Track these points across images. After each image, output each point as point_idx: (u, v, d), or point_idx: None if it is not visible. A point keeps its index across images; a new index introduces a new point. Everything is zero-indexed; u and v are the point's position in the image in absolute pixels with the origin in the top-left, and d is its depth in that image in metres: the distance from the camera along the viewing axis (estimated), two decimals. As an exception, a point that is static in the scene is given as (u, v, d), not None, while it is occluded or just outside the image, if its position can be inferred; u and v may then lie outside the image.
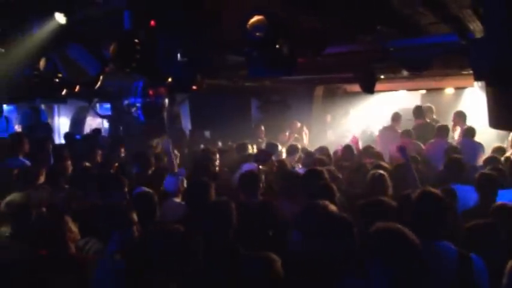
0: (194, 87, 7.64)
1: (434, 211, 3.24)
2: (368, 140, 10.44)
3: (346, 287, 3.00)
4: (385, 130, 9.99)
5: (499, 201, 4.21)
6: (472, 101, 10.21)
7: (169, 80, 5.94)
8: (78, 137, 10.81)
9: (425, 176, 6.21)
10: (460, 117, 8.88)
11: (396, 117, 10.06)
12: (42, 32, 5.46)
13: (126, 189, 4.92)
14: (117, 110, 11.09)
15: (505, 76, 3.05)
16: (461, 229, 3.62)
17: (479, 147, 7.76)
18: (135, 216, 3.74)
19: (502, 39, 2.95)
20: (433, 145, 8.03)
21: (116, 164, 6.82)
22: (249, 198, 4.92)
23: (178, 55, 5.15)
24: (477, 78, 4.22)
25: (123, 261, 3.32)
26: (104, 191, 4.91)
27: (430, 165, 7.47)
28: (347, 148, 8.00)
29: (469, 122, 8.77)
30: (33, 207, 4.20)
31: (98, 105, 13.62)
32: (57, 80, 6.58)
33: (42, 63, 6.51)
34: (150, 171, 6.69)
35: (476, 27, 4.99)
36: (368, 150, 7.85)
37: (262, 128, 10.90)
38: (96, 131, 11.11)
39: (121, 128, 11.27)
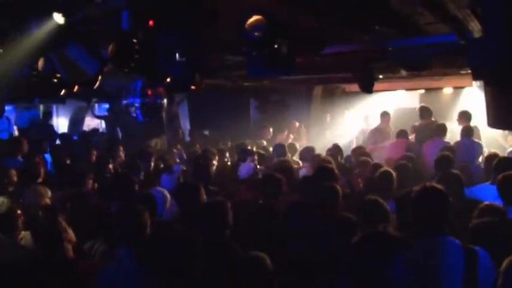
0: (193, 87, 7.64)
1: (439, 205, 3.22)
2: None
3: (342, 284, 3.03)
4: (375, 130, 10.02)
5: (485, 202, 4.22)
6: (471, 100, 10.21)
7: (168, 79, 5.94)
8: (75, 137, 10.82)
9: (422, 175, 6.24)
10: (464, 116, 8.87)
11: (383, 114, 10.09)
12: (40, 32, 5.44)
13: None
14: (114, 110, 11.08)
15: (503, 76, 3.05)
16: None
17: (478, 146, 7.77)
18: (147, 217, 3.72)
19: (500, 38, 2.95)
20: (431, 144, 8.04)
21: (111, 166, 6.82)
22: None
23: (177, 55, 5.14)
24: (475, 78, 4.23)
25: (146, 261, 3.31)
26: (109, 191, 4.92)
27: (427, 165, 7.49)
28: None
29: (469, 122, 8.77)
30: (30, 208, 4.20)
31: (96, 105, 13.61)
32: (55, 80, 6.57)
33: (40, 63, 6.50)
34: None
35: (475, 27, 5.00)
36: (359, 150, 7.91)
37: (271, 129, 10.94)
38: (92, 132, 11.11)
39: (118, 128, 11.27)
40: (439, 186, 3.34)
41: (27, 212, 4.13)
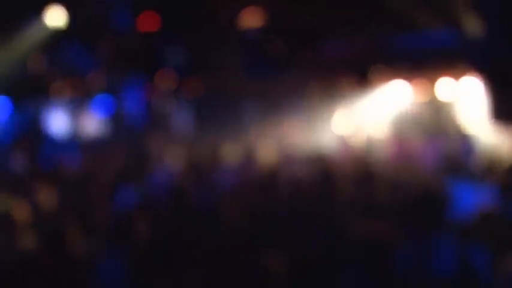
0: (192, 88, 7.66)
1: (433, 206, 3.27)
2: None
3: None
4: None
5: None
6: (469, 99, 10.24)
7: (168, 79, 5.96)
8: (69, 138, 10.79)
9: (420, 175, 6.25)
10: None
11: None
12: (37, 31, 5.44)
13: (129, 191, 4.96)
14: (113, 111, 11.06)
15: (504, 72, 3.08)
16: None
17: (475, 145, 7.79)
18: (140, 220, 3.75)
19: (501, 37, 2.97)
20: (429, 143, 8.07)
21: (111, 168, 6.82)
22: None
23: (177, 55, 5.17)
24: (476, 75, 4.27)
25: (130, 262, 3.34)
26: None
27: (425, 164, 7.51)
28: None
29: (466, 120, 8.81)
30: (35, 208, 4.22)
31: (94, 105, 13.59)
32: (51, 79, 6.57)
33: (37, 62, 6.49)
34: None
35: (475, 26, 5.02)
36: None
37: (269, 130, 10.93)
38: (88, 133, 11.10)
39: (117, 130, 11.24)
40: (434, 187, 3.39)
41: (33, 211, 4.14)
